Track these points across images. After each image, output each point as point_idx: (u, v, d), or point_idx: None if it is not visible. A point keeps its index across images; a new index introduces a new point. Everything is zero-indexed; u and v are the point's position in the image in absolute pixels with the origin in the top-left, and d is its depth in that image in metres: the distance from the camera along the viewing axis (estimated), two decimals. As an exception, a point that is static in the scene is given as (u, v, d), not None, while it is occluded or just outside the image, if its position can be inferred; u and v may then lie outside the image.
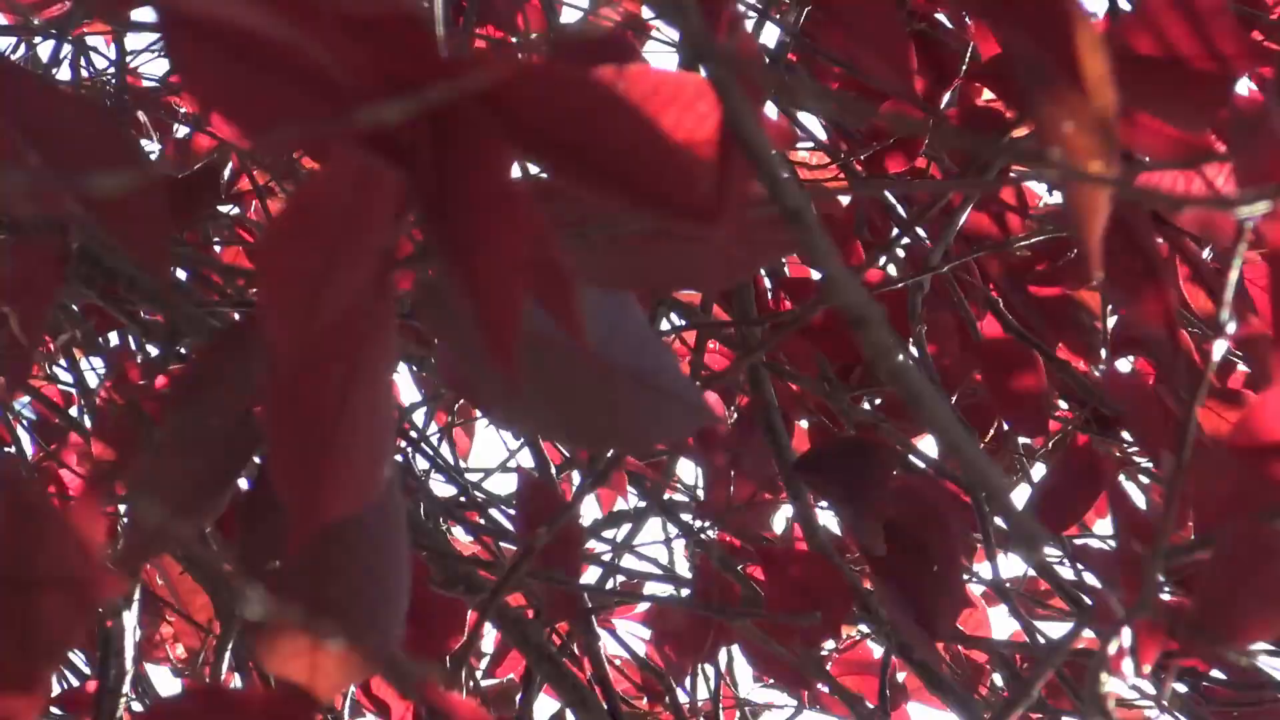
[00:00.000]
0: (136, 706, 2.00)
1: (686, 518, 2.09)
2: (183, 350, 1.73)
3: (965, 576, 1.94)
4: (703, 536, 1.87)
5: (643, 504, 2.18)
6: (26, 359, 1.50)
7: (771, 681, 2.02)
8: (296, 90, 0.69)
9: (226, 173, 2.34)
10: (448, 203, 0.68)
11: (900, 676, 2.37)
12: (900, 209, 2.23)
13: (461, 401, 2.39)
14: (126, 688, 1.80)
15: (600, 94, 0.67)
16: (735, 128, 0.66)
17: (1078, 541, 2.27)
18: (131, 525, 0.84)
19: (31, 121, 0.73)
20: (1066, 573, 2.13)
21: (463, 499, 2.14)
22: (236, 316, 1.77)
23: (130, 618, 1.81)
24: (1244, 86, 1.06)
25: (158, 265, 0.74)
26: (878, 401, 2.21)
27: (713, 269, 0.90)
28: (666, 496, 2.24)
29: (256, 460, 0.87)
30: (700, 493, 2.17)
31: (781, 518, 2.14)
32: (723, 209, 0.68)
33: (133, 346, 2.16)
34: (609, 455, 1.65)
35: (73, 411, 2.33)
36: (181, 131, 2.48)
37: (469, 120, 0.68)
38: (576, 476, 2.28)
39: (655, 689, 2.31)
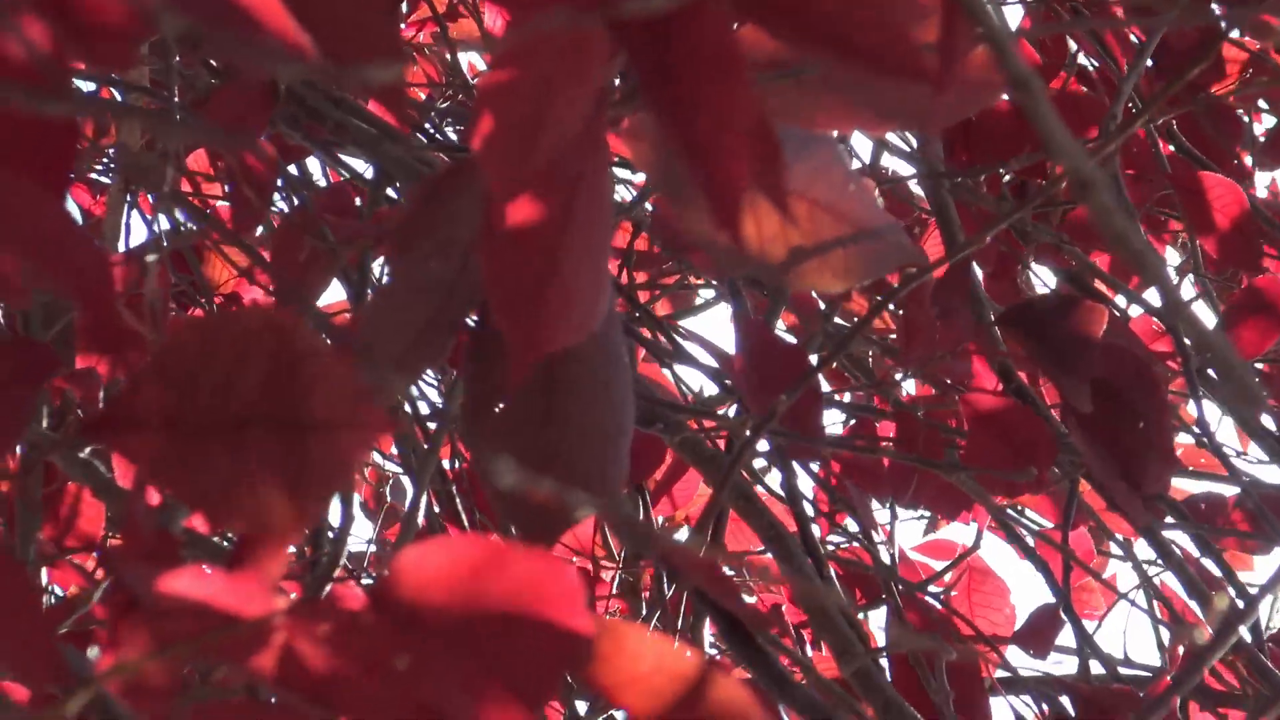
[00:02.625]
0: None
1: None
2: (391, 194, 1.75)
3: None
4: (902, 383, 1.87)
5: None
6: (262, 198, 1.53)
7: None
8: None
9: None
10: (668, 65, 0.69)
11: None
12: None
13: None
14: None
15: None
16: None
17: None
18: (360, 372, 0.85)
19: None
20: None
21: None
22: (443, 158, 1.78)
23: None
24: None
25: (395, 107, 0.75)
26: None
27: (931, 109, 0.90)
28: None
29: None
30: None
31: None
32: (946, 73, 0.68)
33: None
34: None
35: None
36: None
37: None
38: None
39: (839, 520, 2.32)
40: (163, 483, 0.70)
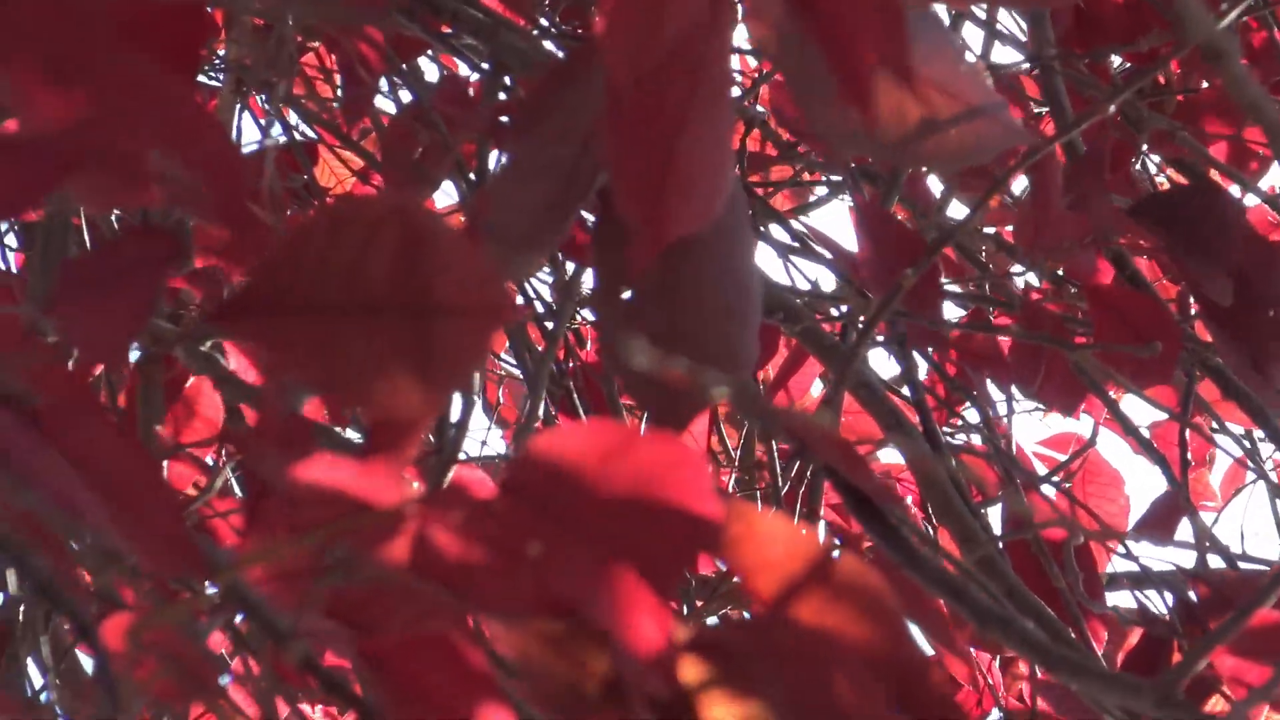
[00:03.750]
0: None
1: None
2: (507, 82, 1.75)
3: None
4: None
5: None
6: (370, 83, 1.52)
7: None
8: None
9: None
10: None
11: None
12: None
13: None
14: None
15: None
16: None
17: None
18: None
19: None
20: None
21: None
22: (558, 48, 1.77)
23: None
24: None
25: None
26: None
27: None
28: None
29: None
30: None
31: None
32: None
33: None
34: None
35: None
36: None
37: None
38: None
39: (957, 405, 2.31)
40: (294, 369, 0.70)
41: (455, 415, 1.44)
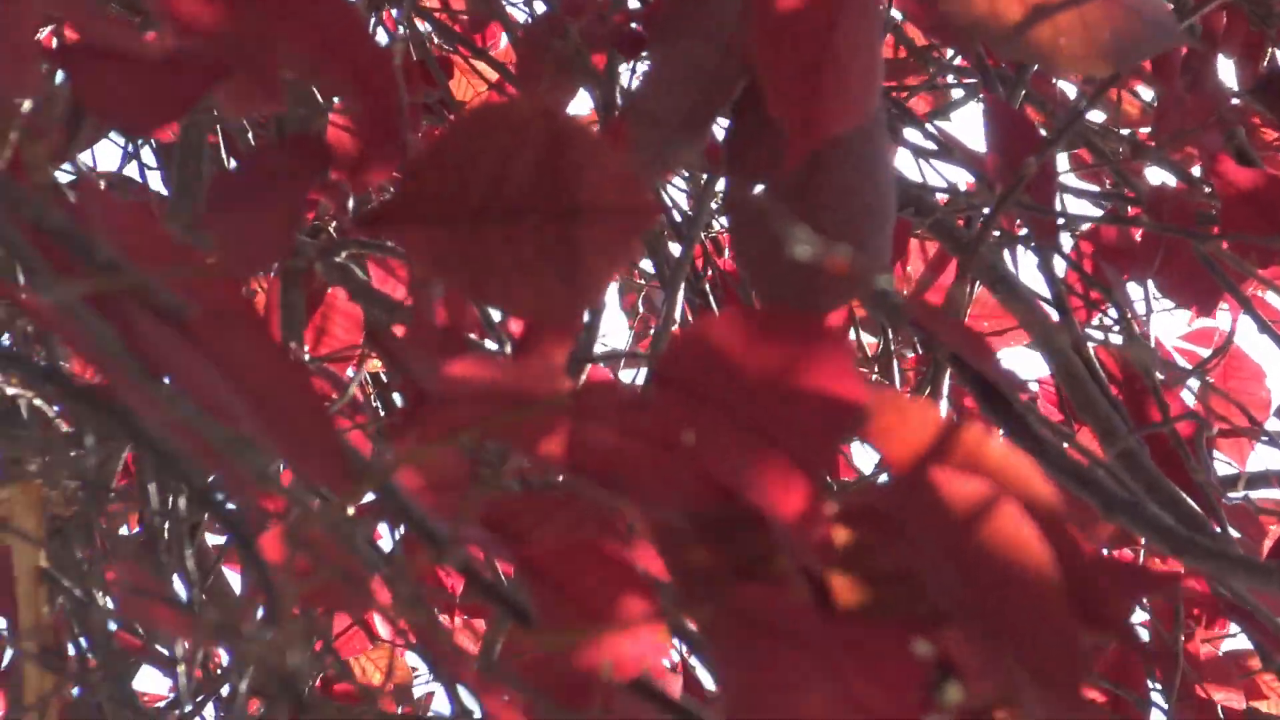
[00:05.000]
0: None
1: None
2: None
3: None
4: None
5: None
6: None
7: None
8: None
9: None
10: None
11: None
12: None
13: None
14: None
15: None
16: None
17: None
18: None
19: None
20: None
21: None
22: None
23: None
24: None
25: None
26: None
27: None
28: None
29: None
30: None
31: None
32: None
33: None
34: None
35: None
36: None
37: None
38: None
39: (1096, 300, 2.29)
40: (441, 274, 0.71)
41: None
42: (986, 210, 1.65)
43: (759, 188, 0.86)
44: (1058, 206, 1.79)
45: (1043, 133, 1.67)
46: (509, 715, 0.67)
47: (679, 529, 0.65)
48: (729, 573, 0.65)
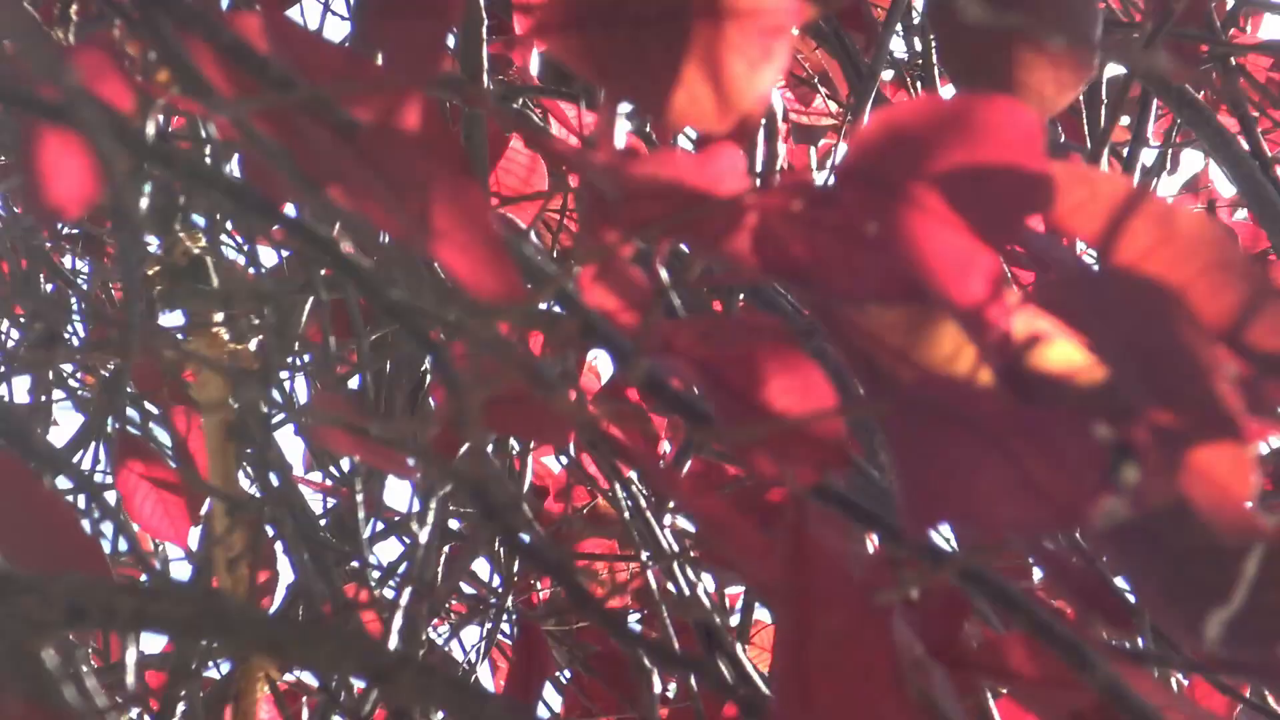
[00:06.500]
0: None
1: None
2: None
3: None
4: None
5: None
6: None
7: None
8: None
9: None
10: None
11: None
12: None
13: None
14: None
15: None
16: None
17: None
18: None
19: None
20: None
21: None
22: None
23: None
24: None
25: None
26: None
27: None
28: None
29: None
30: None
31: None
32: None
33: None
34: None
35: None
36: None
37: None
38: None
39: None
40: (605, 81, 0.70)
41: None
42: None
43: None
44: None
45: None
46: (712, 508, 0.65)
47: (863, 322, 0.63)
48: (912, 363, 0.63)
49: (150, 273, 1.63)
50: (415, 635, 1.37)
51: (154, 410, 1.94)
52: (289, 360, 1.76)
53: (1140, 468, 0.58)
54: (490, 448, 1.93)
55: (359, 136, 0.69)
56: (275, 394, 1.68)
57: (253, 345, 1.69)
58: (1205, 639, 0.61)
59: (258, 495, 1.58)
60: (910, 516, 0.59)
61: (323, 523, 1.87)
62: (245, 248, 1.73)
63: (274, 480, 1.52)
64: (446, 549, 1.88)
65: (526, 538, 1.08)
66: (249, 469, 1.61)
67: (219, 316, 1.65)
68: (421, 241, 0.67)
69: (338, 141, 0.70)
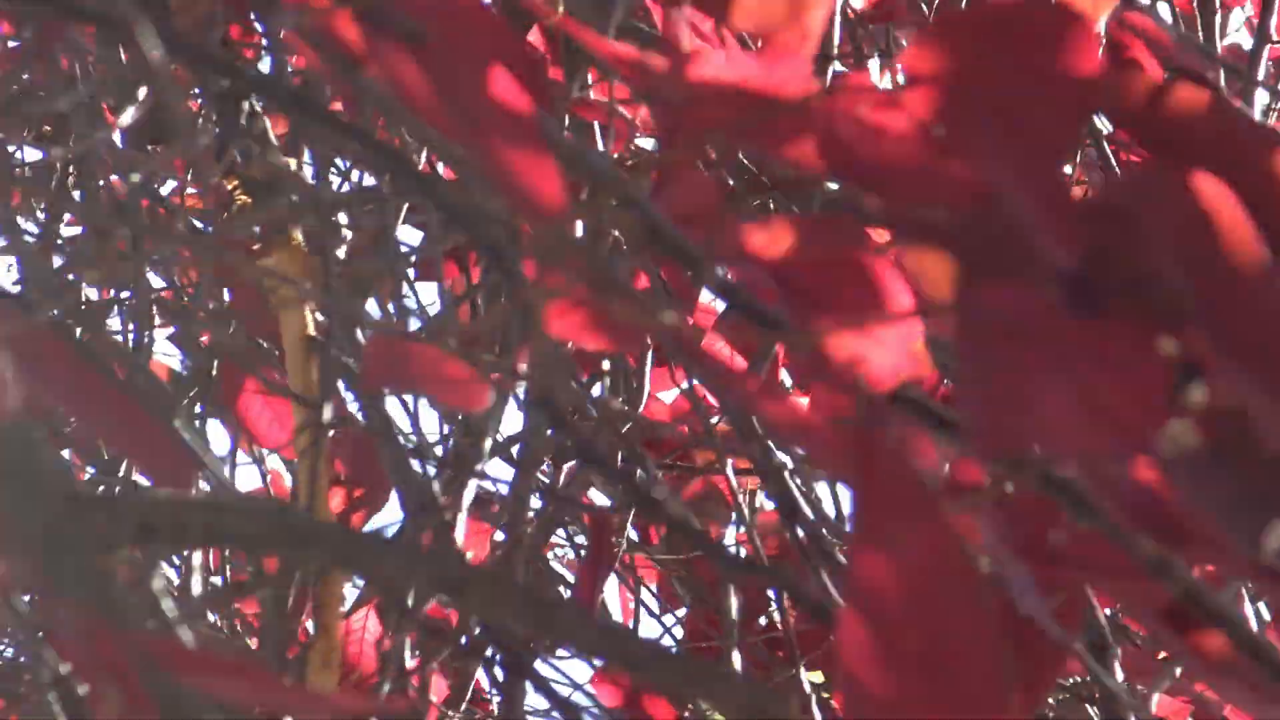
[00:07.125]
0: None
1: None
2: None
3: None
4: None
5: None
6: None
7: None
8: None
9: None
10: None
11: None
12: None
13: None
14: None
15: None
16: None
17: None
18: None
19: None
20: None
21: None
22: None
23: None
24: None
25: None
26: None
27: None
28: None
29: None
30: None
31: None
32: None
33: None
34: None
35: None
36: None
37: None
38: None
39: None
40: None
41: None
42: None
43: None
44: None
45: None
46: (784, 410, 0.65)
47: (931, 227, 0.63)
48: (977, 273, 0.63)
49: (230, 187, 1.63)
50: (515, 555, 1.37)
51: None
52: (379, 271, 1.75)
53: (1206, 389, 0.57)
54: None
55: (423, 44, 0.68)
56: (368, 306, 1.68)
57: (340, 255, 1.69)
58: (1267, 551, 0.60)
59: (353, 409, 1.59)
60: (978, 440, 0.58)
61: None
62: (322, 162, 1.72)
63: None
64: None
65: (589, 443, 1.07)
66: (346, 383, 1.61)
67: (298, 231, 1.66)
68: (485, 151, 0.66)
69: (400, 48, 0.69)
